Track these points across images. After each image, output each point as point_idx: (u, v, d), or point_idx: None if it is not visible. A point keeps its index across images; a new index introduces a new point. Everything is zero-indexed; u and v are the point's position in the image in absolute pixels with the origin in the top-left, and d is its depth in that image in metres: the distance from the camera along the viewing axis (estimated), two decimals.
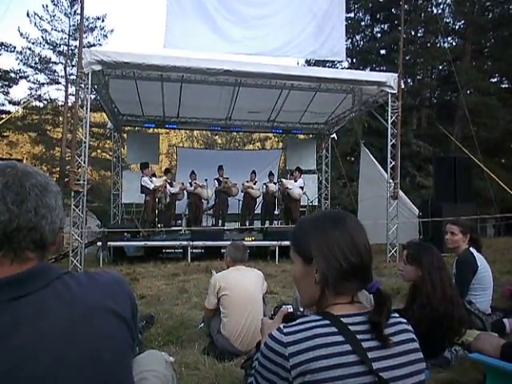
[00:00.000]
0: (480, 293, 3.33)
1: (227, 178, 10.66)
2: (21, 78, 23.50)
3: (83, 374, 0.84)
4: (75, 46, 21.89)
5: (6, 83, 23.22)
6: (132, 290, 1.07)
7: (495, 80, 20.34)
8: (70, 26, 23.21)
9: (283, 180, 10.84)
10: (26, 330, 0.82)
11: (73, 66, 22.44)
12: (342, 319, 0.99)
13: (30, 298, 0.85)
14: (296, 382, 0.93)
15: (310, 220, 1.16)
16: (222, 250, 8.62)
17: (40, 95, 23.42)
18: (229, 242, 3.74)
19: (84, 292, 0.92)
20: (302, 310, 2.37)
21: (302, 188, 10.40)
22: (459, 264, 3.42)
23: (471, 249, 3.46)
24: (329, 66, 17.52)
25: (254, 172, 10.88)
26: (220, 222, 10.49)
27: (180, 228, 10.48)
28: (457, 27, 20.93)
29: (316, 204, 12.68)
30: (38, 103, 24.09)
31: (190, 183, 10.45)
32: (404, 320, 1.07)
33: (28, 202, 0.89)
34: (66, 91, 23.31)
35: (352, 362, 0.93)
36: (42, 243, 0.92)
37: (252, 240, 8.71)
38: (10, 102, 23.52)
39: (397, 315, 1.07)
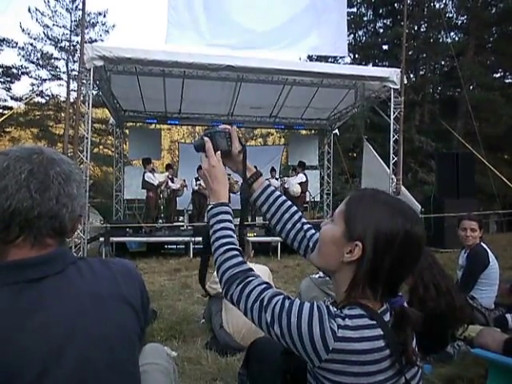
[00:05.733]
0: (486, 288, 3.33)
1: (229, 175, 10.61)
2: (23, 73, 23.50)
3: (90, 358, 0.87)
4: (77, 42, 21.83)
5: (8, 79, 23.24)
6: (142, 278, 1.07)
7: (498, 75, 20.24)
8: (71, 22, 23.16)
9: (284, 178, 10.88)
10: (41, 313, 0.86)
11: (74, 61, 22.42)
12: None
13: (48, 281, 0.89)
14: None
15: (381, 202, 1.03)
16: None
17: (42, 91, 23.44)
18: None
19: (96, 279, 0.95)
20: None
21: (302, 183, 10.38)
22: (472, 258, 3.40)
23: (482, 243, 3.45)
24: (331, 62, 17.46)
25: (255, 168, 10.84)
26: None
27: (182, 224, 10.49)
28: (460, 22, 20.81)
29: (318, 200, 12.67)
30: (39, 99, 24.14)
31: (197, 178, 10.42)
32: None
33: (51, 190, 0.91)
34: (68, 87, 23.30)
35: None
36: (61, 230, 0.94)
37: (254, 236, 8.71)
38: (12, 98, 23.58)
39: None
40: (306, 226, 1.32)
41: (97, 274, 0.96)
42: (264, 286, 1.03)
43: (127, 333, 0.95)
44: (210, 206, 1.20)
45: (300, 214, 1.34)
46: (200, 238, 8.44)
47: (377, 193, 1.07)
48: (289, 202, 1.35)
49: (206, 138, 1.25)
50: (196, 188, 10.34)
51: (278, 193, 1.37)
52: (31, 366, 0.82)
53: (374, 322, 0.94)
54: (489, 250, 3.42)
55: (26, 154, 0.93)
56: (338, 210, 1.07)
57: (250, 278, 1.05)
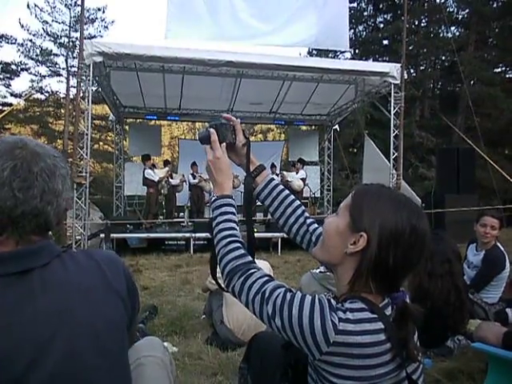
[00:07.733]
0: (495, 289, 3.31)
1: None
2: (22, 70, 23.38)
3: (77, 349, 0.87)
4: (76, 38, 21.69)
5: (8, 75, 23.13)
6: (127, 267, 1.08)
7: (499, 70, 20.13)
8: (70, 18, 23.02)
9: (284, 172, 10.85)
10: (29, 306, 0.85)
11: (74, 57, 22.30)
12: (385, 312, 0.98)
13: (35, 273, 0.88)
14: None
15: (387, 196, 1.04)
16: None
17: (41, 87, 23.31)
18: None
19: (81, 270, 0.94)
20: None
21: (303, 180, 10.39)
22: (490, 262, 3.32)
23: (498, 244, 3.37)
24: (331, 57, 17.40)
25: None
26: None
27: (182, 220, 10.50)
28: (460, 17, 20.69)
29: (318, 196, 12.66)
30: (39, 95, 23.98)
31: (193, 175, 10.45)
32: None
33: (35, 188, 0.89)
34: (68, 83, 23.21)
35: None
36: (46, 226, 0.93)
37: (255, 232, 8.71)
38: (11, 95, 23.46)
39: None
40: (308, 220, 1.33)
41: (81, 265, 0.95)
42: (266, 278, 1.03)
43: (114, 322, 0.95)
44: (213, 198, 1.21)
45: (303, 208, 1.35)
46: (200, 234, 8.48)
47: (382, 187, 1.09)
48: (292, 196, 1.36)
49: (211, 130, 1.25)
50: (196, 181, 10.37)
51: (281, 187, 1.38)
52: (20, 358, 0.82)
53: (375, 316, 0.94)
54: (505, 253, 3.34)
55: (9, 148, 0.90)
56: (344, 203, 1.08)
57: (252, 271, 1.05)
